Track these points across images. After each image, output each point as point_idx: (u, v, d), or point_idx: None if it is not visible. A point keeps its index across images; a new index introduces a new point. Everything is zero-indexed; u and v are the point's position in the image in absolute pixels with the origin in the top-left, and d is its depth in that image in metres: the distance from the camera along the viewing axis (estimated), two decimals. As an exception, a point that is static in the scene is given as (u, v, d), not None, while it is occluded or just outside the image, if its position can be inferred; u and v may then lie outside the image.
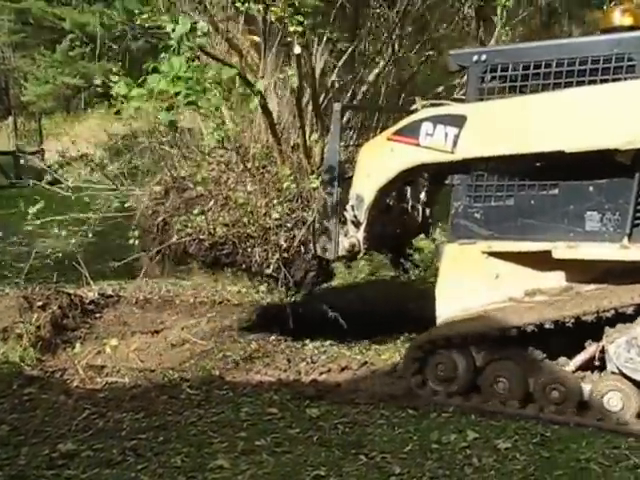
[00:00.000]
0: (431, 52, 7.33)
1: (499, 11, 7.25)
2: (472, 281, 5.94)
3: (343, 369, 6.80)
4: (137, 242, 7.17)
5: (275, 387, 6.28)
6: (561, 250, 5.53)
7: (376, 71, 7.37)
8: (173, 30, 5.61)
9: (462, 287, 5.97)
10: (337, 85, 7.39)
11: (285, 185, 6.57)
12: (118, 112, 5.90)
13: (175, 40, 5.58)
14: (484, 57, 5.83)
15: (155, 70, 5.63)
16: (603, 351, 5.38)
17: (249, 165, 6.92)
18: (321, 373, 6.74)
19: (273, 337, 7.63)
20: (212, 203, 6.85)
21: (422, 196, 7.10)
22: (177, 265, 7.61)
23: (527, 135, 5.58)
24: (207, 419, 5.52)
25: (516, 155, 5.63)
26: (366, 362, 6.93)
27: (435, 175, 6.77)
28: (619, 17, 5.69)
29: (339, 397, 6.02)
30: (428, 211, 7.16)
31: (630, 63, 5.37)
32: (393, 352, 7.14)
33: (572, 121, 5.44)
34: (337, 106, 6.42)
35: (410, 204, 7.07)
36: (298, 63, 6.20)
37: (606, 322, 5.30)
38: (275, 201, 6.69)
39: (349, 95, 7.21)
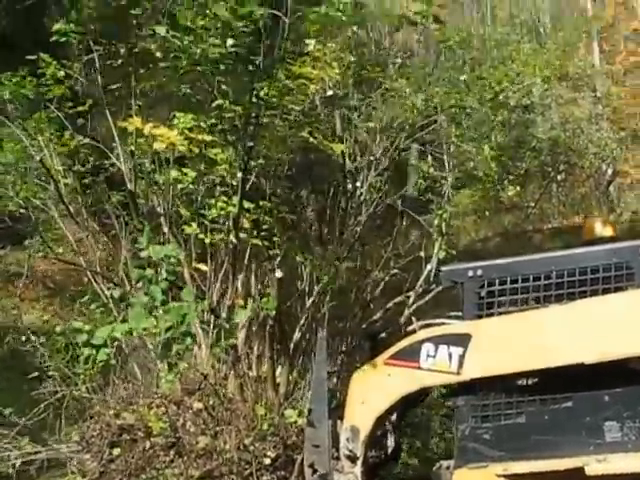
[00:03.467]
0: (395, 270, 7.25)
1: (436, 222, 7.30)
2: (487, 511, 5.50)
3: None
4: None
5: None
6: (594, 465, 5.25)
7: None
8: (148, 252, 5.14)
9: (477, 518, 5.51)
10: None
11: (265, 426, 5.94)
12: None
13: (155, 258, 5.09)
14: (480, 272, 5.72)
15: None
16: None
17: (202, 404, 6.25)
18: None
19: None
20: (173, 454, 6.04)
21: (393, 418, 6.66)
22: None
23: (542, 350, 5.41)
24: None
25: (529, 371, 5.45)
26: None
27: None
28: (600, 229, 5.87)
29: None
30: (399, 434, 6.70)
31: (629, 271, 5.45)
32: None
33: (590, 332, 5.35)
34: (322, 333, 6.00)
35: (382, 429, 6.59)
36: (279, 287, 5.81)
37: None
38: (246, 441, 6.02)
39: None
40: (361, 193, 7.28)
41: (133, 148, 6.45)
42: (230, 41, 5.29)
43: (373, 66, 8.50)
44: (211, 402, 6.25)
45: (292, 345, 6.65)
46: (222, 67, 5.47)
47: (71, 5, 6.79)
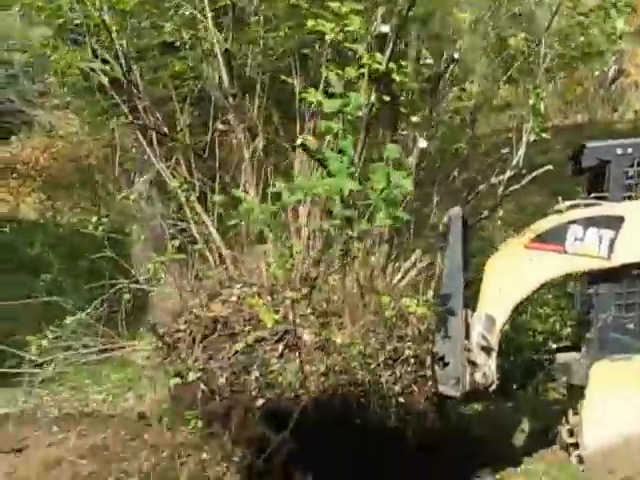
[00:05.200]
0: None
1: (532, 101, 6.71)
2: (632, 402, 5.21)
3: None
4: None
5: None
6: None
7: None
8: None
9: (619, 410, 5.23)
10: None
11: (387, 314, 5.50)
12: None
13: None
14: (630, 150, 5.31)
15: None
16: None
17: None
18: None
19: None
20: (282, 348, 5.58)
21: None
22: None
23: None
24: None
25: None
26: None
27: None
28: None
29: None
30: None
31: None
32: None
33: None
34: (455, 211, 5.48)
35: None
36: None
37: None
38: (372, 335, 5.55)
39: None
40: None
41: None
42: None
43: None
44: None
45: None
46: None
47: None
